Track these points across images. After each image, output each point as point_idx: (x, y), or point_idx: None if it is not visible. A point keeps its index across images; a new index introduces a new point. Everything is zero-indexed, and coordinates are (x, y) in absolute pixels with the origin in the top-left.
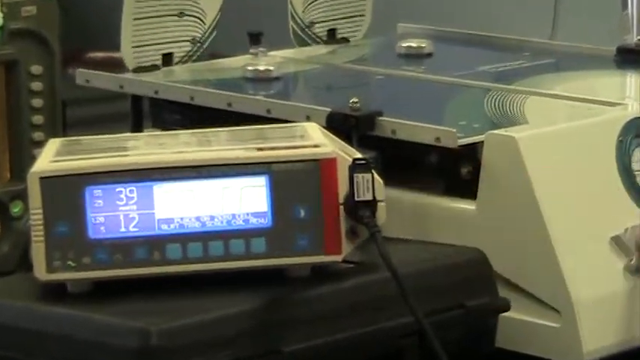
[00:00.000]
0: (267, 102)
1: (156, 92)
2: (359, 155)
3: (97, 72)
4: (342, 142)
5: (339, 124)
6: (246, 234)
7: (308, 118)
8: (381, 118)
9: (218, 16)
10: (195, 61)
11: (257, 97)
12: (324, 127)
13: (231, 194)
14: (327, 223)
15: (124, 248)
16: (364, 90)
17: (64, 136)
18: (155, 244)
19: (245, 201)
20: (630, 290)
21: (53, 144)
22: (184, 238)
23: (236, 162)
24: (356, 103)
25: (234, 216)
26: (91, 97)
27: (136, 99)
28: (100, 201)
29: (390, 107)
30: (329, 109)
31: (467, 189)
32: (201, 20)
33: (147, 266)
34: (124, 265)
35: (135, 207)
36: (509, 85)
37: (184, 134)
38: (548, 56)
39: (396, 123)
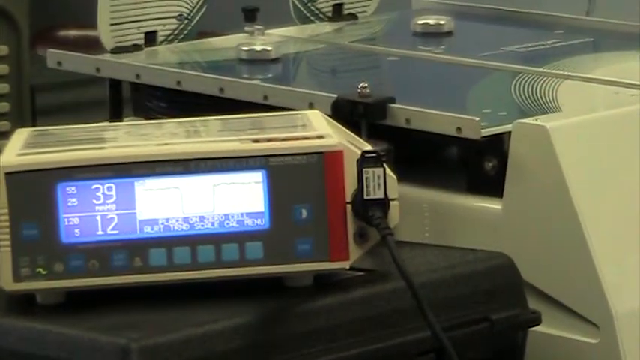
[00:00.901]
0: (264, 87)
1: (137, 76)
2: (369, 147)
3: (70, 53)
4: (350, 133)
5: (345, 112)
6: (240, 237)
7: (311, 106)
8: (393, 105)
9: None
10: (182, 40)
11: (253, 82)
12: (328, 116)
13: (223, 192)
14: (332, 225)
15: (101, 253)
16: (375, 73)
17: (33, 125)
18: (137, 249)
19: (239, 200)
20: None
21: (21, 135)
22: (170, 242)
23: (229, 155)
24: (365, 88)
25: (226, 217)
26: (63, 82)
27: (115, 84)
28: (74, 200)
29: (404, 93)
30: (334, 95)
31: (492, 186)
32: None
33: (127, 274)
34: (102, 272)
35: (114, 207)
36: (540, 67)
37: (170, 124)
38: (584, 34)
39: (411, 111)
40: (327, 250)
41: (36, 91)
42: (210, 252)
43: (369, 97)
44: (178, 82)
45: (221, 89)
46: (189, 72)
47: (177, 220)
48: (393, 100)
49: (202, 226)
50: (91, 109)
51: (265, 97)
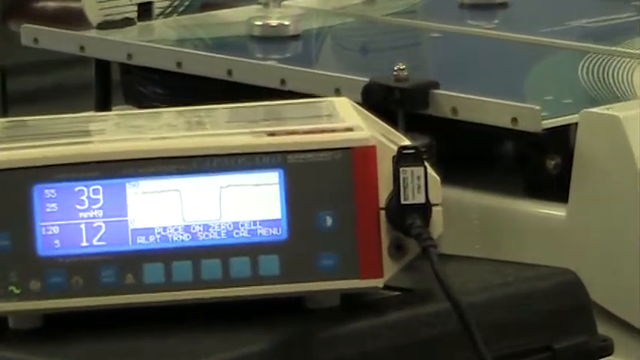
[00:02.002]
0: (281, 69)
1: (129, 56)
2: (407, 142)
3: (48, 28)
4: (384, 124)
5: (379, 100)
6: (252, 250)
7: (337, 92)
8: (436, 91)
9: None
10: (182, 13)
11: (267, 63)
12: (358, 104)
13: (232, 195)
14: (362, 235)
15: (86, 269)
16: (414, 53)
17: (3, 115)
18: (129, 264)
19: (251, 205)
20: None
21: None
22: (168, 255)
23: (239, 151)
24: (402, 70)
25: (235, 225)
26: (40, 63)
27: (102, 65)
28: (53, 205)
29: (449, 77)
30: (365, 80)
31: (554, 188)
32: None
33: (118, 293)
34: (87, 291)
35: (101, 213)
36: (613, 46)
37: (168, 114)
38: None
39: (458, 98)
40: (357, 266)
41: (7, 74)
42: (216, 267)
43: (406, 82)
44: (178, 64)
45: (229, 72)
46: (192, 51)
47: (176, 229)
48: (436, 85)
49: (207, 236)
50: (74, 95)
51: (283, 82)
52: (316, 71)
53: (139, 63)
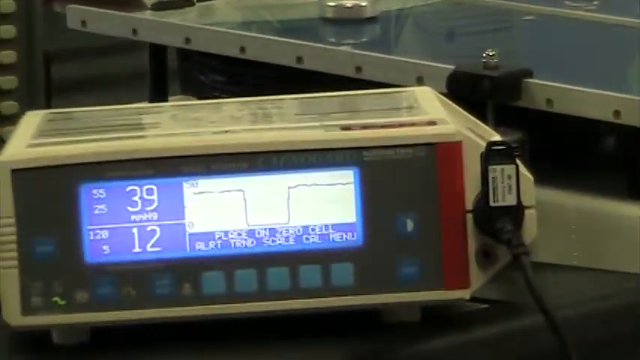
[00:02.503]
0: (356, 55)
1: (187, 40)
2: (497, 137)
3: (97, 9)
4: (471, 118)
5: (466, 90)
6: (324, 257)
7: (419, 81)
8: (530, 80)
9: None
10: None
11: (341, 49)
12: (443, 94)
13: (302, 196)
14: (446, 241)
15: (138, 278)
16: (504, 37)
17: (47, 106)
18: (186, 272)
19: (323, 207)
20: None
21: (32, 119)
22: (230, 263)
23: (309, 147)
24: (492, 57)
25: (305, 230)
26: (88, 48)
27: (157, 51)
28: (102, 206)
29: (543, 64)
30: (451, 67)
31: None
32: None
33: (174, 305)
34: (139, 303)
35: (155, 215)
36: None
37: (230, 105)
38: None
39: (554, 88)
40: (440, 275)
41: (51, 61)
42: (283, 276)
43: (497, 70)
44: (242, 49)
45: (299, 59)
46: (257, 35)
47: (239, 234)
48: (529, 74)
49: (273, 241)
50: (125, 85)
51: (358, 70)
52: (396, 58)
53: (199, 48)
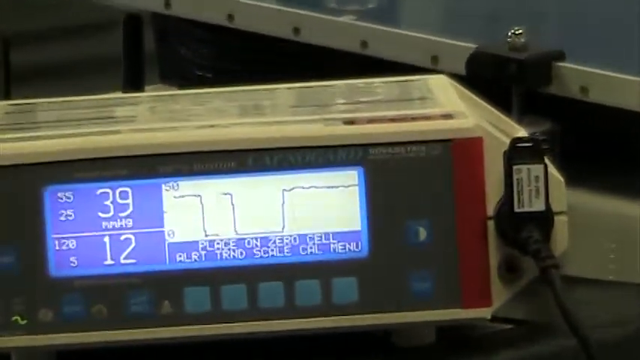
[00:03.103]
0: (362, 28)
1: (167, 5)
2: (522, 132)
3: None
4: (493, 110)
5: (488, 73)
6: (324, 270)
7: (434, 60)
8: (562, 63)
9: None
10: None
11: (346, 20)
12: (462, 79)
13: (299, 201)
14: (464, 252)
15: (110, 294)
16: (533, 13)
17: (5, 97)
18: (166, 287)
19: (323, 213)
20: None
21: None
22: (216, 278)
23: (308, 144)
24: (519, 35)
25: (303, 239)
26: (51, 30)
27: (132, 30)
28: (69, 212)
29: (578, 45)
30: (471, 46)
31: None
32: None
33: (151, 325)
34: (112, 322)
35: (130, 222)
36: None
37: (217, 95)
38: None
39: (590, 74)
40: (458, 291)
41: (10, 45)
42: (277, 292)
43: (524, 51)
44: (230, 17)
45: (296, 30)
46: (247, 1)
47: (227, 244)
48: (561, 56)
49: (266, 253)
50: (95, 71)
51: (364, 44)
52: (407, 32)
53: (180, 14)
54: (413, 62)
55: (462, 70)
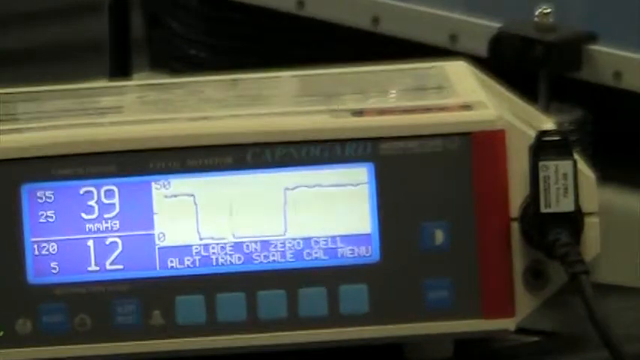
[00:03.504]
0: (373, 3)
1: None
2: (549, 125)
3: None
4: (518, 100)
5: (512, 56)
6: (330, 278)
7: (452, 40)
8: (593, 46)
9: None
10: None
11: None
12: (484, 62)
13: (303, 201)
14: (485, 257)
15: (95, 303)
16: None
17: None
18: (155, 297)
19: (329, 214)
20: None
21: None
22: (211, 286)
23: (312, 138)
24: (547, 15)
25: (307, 243)
26: (31, 13)
27: (118, 6)
28: (49, 212)
29: (611, 26)
30: (495, 25)
31: None
32: None
33: (139, 338)
34: (96, 335)
35: (117, 224)
36: None
37: (213, 84)
38: None
39: (624, 58)
40: (478, 300)
41: None
42: (279, 302)
43: (552, 32)
44: None
45: (300, 3)
46: None
47: (223, 249)
48: (592, 39)
49: (266, 258)
50: (77, 57)
51: (375, 21)
52: (424, 8)
53: None
54: (429, 42)
55: (483, 51)
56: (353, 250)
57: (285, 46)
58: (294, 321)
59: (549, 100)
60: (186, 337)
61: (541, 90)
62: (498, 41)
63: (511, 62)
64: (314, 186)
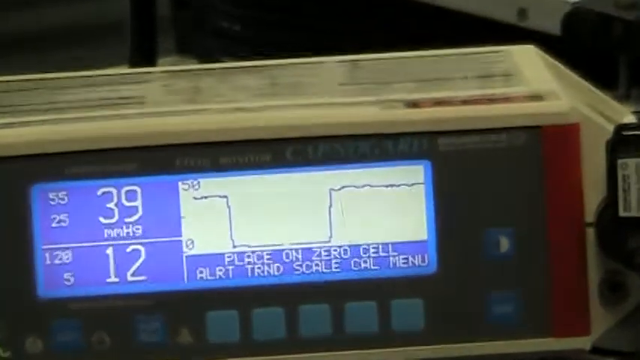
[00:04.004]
0: None
1: None
2: (630, 117)
3: None
4: (595, 90)
5: (588, 35)
6: (381, 291)
7: (521, 15)
8: None
9: None
10: None
11: None
12: (550, 49)
13: (350, 204)
14: (556, 268)
15: (114, 320)
16: None
17: None
18: (183, 312)
19: (380, 218)
20: None
21: None
22: (246, 299)
23: (360, 132)
24: None
25: (355, 251)
26: None
27: None
28: (63, 216)
29: None
30: (569, 1)
31: None
32: None
33: (164, 358)
34: (116, 354)
35: (139, 230)
36: None
37: (246, 70)
38: None
39: None
40: (548, 316)
41: None
42: (323, 318)
43: (632, 10)
44: None
45: None
46: None
47: (259, 257)
48: None
49: (309, 268)
50: (95, 40)
51: None
52: None
53: None
54: (494, 17)
55: (555, 29)
56: (407, 259)
57: (327, 20)
58: (339, 339)
59: (629, 88)
60: (217, 358)
61: (620, 76)
62: (573, 18)
63: (586, 42)
64: (363, 186)
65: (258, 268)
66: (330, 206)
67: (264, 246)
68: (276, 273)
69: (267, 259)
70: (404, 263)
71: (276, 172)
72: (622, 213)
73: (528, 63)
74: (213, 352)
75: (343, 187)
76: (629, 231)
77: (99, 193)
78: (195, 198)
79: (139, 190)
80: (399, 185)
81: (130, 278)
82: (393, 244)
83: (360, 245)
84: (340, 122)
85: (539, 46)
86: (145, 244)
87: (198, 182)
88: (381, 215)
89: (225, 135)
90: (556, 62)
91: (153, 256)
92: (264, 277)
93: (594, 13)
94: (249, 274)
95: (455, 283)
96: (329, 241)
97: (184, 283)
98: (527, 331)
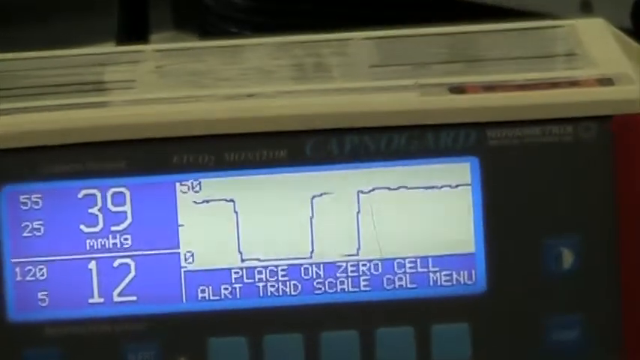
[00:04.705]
0: None
1: None
2: None
3: None
4: None
5: None
6: (421, 314)
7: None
8: None
9: None
10: None
11: None
12: (624, 31)
13: (383, 209)
14: (631, 286)
15: (98, 347)
16: None
17: None
18: (181, 338)
19: (418, 227)
20: None
21: None
22: (256, 323)
23: (395, 123)
24: None
25: (388, 266)
26: None
27: None
28: (36, 224)
29: None
30: None
31: None
32: None
33: None
34: None
35: (128, 240)
36: None
37: (258, 48)
38: None
39: None
40: (619, 342)
41: None
42: (350, 346)
43: None
44: None
45: None
46: None
47: (273, 274)
48: None
49: (332, 286)
50: (79, 14)
51: None
52: None
53: None
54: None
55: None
56: (450, 275)
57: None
58: None
59: None
60: None
61: None
62: None
63: None
64: (397, 188)
65: (272, 286)
66: (358, 212)
67: (278, 260)
68: (293, 293)
69: (282, 276)
70: (447, 281)
71: (294, 172)
72: None
73: (596, 40)
74: None
75: (374, 188)
76: None
77: (80, 195)
78: (195, 202)
79: (127, 192)
80: (440, 187)
81: (117, 299)
82: (433, 257)
83: (394, 259)
84: (371, 111)
85: None
86: (135, 257)
87: (199, 183)
88: (418, 222)
89: (232, 127)
90: (629, 39)
91: (145, 272)
92: (278, 297)
93: None
94: (261, 294)
95: (508, 305)
96: (356, 254)
97: (183, 304)
98: (598, 358)
